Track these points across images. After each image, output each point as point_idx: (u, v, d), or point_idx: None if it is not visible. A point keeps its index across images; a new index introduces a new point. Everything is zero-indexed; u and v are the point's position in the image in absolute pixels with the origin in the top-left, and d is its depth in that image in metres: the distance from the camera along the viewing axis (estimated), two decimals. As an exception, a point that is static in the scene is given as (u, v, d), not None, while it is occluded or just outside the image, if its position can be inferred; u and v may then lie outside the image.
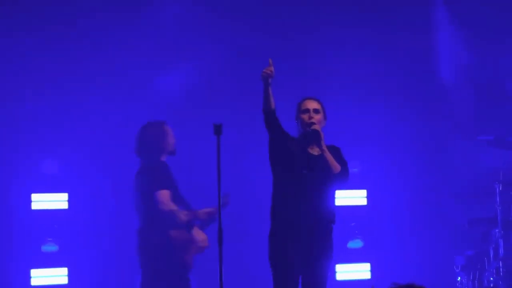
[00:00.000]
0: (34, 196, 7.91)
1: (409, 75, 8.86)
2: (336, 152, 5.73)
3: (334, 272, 8.56)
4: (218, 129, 5.42)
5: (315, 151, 5.66)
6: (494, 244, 7.84)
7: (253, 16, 8.64)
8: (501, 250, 7.75)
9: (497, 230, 7.85)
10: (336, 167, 5.59)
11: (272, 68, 5.45)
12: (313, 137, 5.60)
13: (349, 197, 8.70)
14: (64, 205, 7.98)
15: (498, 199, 7.88)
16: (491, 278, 7.78)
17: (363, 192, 8.75)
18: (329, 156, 5.58)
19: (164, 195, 6.30)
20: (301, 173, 5.56)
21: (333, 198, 5.70)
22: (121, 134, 8.13)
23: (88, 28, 8.18)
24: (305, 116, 5.67)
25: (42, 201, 7.93)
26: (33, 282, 7.84)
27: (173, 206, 6.29)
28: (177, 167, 6.53)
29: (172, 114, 8.31)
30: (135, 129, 8.16)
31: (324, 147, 5.60)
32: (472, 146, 8.50)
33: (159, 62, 8.41)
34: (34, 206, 7.91)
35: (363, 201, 8.75)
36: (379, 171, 8.75)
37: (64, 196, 7.99)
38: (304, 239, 5.53)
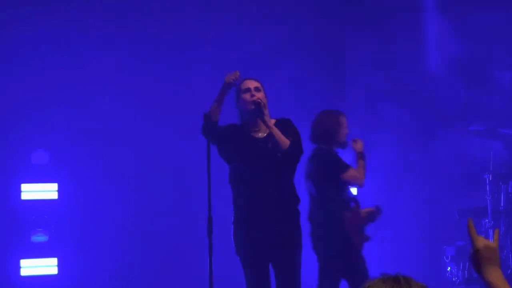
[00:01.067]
0: (24, 186, 7.90)
1: (398, 65, 8.85)
2: (285, 124, 5.54)
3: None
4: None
5: (260, 134, 5.53)
6: (484, 234, 7.85)
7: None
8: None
9: (486, 221, 7.87)
10: (285, 142, 5.37)
11: (238, 74, 5.35)
12: (257, 111, 5.44)
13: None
14: (54, 195, 7.97)
15: (488, 189, 7.90)
16: (481, 268, 7.79)
17: (352, 183, 8.73)
18: (275, 132, 5.39)
19: (351, 172, 6.37)
20: (250, 161, 5.42)
21: (292, 177, 5.53)
22: (111, 125, 8.12)
23: (79, 22, 8.16)
24: (246, 95, 5.49)
25: (32, 191, 7.92)
26: (23, 272, 7.82)
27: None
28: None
29: (162, 106, 8.33)
30: (125, 120, 8.17)
31: (269, 121, 5.42)
32: (462, 136, 8.51)
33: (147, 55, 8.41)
34: (24, 196, 7.90)
35: (353, 191, 8.71)
36: (367, 162, 8.73)
37: (54, 186, 7.98)
38: (266, 226, 5.37)
